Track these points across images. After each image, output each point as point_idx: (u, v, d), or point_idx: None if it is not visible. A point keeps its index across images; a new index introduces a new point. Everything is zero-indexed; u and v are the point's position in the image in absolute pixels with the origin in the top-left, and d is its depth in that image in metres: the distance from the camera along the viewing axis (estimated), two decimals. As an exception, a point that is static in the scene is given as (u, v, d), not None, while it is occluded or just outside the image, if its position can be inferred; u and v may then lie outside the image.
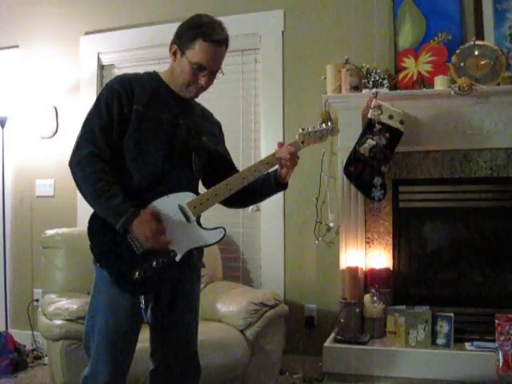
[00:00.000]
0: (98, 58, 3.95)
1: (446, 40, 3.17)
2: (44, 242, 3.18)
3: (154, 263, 1.85)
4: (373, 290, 3.04)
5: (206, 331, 2.31)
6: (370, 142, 3.03)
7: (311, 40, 3.50)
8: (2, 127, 3.93)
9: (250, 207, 3.53)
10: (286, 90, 3.53)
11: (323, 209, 3.39)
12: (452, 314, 2.87)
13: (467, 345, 2.84)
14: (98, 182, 1.82)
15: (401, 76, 3.21)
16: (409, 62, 3.21)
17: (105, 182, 1.82)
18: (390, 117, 3.02)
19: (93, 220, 1.90)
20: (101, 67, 3.97)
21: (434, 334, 2.86)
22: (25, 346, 3.68)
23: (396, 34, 3.29)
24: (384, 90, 3.09)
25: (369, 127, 3.05)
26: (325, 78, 3.28)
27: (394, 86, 3.18)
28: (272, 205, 3.49)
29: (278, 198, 3.46)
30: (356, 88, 3.14)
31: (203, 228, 1.94)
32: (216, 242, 1.96)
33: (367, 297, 3.05)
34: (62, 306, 2.67)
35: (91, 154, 1.84)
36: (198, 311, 2.10)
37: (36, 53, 4.09)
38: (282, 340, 3.13)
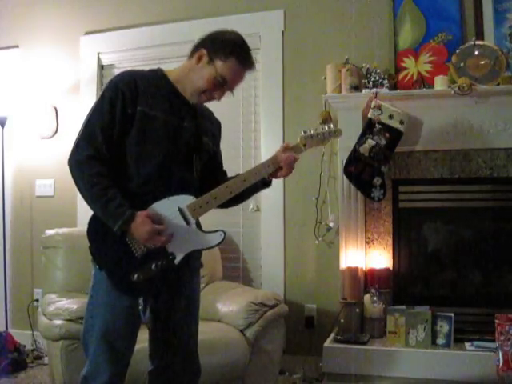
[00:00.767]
0: (98, 58, 3.95)
1: (446, 40, 3.17)
2: (44, 242, 3.18)
3: (153, 266, 1.85)
4: (373, 290, 3.04)
5: (206, 331, 2.30)
6: (370, 142, 3.03)
7: (311, 40, 3.50)
8: (2, 127, 3.93)
9: (250, 207, 3.54)
10: (285, 90, 3.53)
11: (323, 209, 3.39)
12: (452, 314, 2.87)
13: (467, 345, 2.84)
14: (95, 185, 1.81)
15: (401, 76, 3.21)
16: (409, 62, 3.21)
17: (103, 185, 1.81)
18: (390, 117, 3.02)
19: (92, 222, 1.89)
20: (101, 67, 3.97)
21: (434, 334, 2.86)
22: (25, 346, 3.68)
23: (396, 34, 3.29)
24: (384, 90, 3.09)
25: (369, 127, 3.05)
26: (325, 78, 3.28)
27: (394, 86, 3.18)
28: (272, 205, 3.50)
29: (277, 197, 3.48)
30: (356, 88, 3.14)
31: (203, 231, 1.94)
32: (215, 245, 1.95)
33: (367, 297, 3.05)
34: (62, 306, 2.67)
35: (89, 156, 1.83)
36: (198, 311, 2.10)
37: (36, 53, 4.09)
38: (282, 340, 3.13)
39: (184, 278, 1.99)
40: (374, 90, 3.07)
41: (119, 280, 1.85)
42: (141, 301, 1.92)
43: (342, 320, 3.04)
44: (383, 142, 3.02)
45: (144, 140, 1.88)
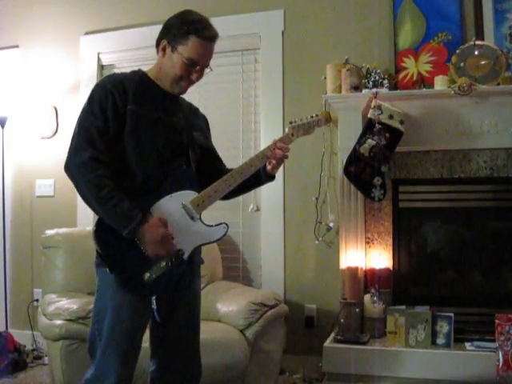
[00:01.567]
0: (98, 58, 3.95)
1: (446, 40, 3.17)
2: (44, 242, 3.18)
3: (164, 264, 1.85)
4: (373, 290, 3.04)
5: (206, 331, 2.30)
6: (370, 142, 3.03)
7: (311, 40, 3.50)
8: (2, 127, 3.93)
9: (250, 207, 3.54)
10: (286, 90, 3.53)
11: (323, 209, 3.39)
12: (452, 314, 2.87)
13: (467, 345, 2.84)
14: (102, 188, 1.79)
15: (401, 76, 3.21)
16: (409, 62, 3.21)
17: (109, 188, 1.80)
18: (390, 117, 3.02)
19: (100, 225, 1.87)
20: (101, 67, 3.97)
21: (434, 334, 2.86)
22: (25, 346, 3.68)
23: (396, 34, 3.29)
24: (384, 90, 3.09)
25: (369, 127, 3.05)
26: (325, 78, 3.28)
27: (394, 86, 3.18)
28: (272, 205, 3.50)
29: (277, 197, 3.48)
30: (356, 88, 3.14)
31: (207, 225, 1.96)
32: (220, 238, 1.99)
33: (367, 297, 3.05)
34: (62, 306, 2.67)
35: (92, 158, 1.81)
36: (199, 310, 2.10)
37: (36, 53, 4.09)
38: (282, 340, 3.13)
39: (187, 276, 1.99)
40: (374, 90, 3.07)
41: (130, 281, 1.84)
42: (153, 300, 1.92)
43: (342, 320, 3.04)
44: (383, 142, 3.02)
45: (139, 139, 1.89)
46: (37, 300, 3.86)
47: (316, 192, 3.39)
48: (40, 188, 4.05)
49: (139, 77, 1.99)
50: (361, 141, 3.06)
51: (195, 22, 1.91)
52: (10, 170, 4.08)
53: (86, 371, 1.94)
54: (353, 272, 3.11)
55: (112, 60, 3.95)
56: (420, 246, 3.33)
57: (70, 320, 2.56)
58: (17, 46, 4.15)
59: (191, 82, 1.98)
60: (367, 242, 3.24)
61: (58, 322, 2.59)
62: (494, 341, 2.67)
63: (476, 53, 3.01)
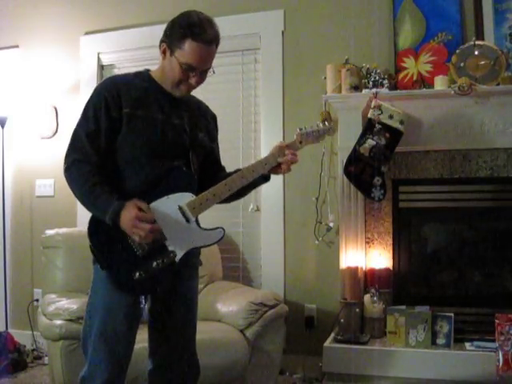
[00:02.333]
0: (98, 58, 3.95)
1: (446, 40, 3.17)
2: (44, 242, 3.18)
3: (155, 264, 1.85)
4: (373, 290, 3.04)
5: (206, 331, 2.31)
6: (370, 142, 3.03)
7: (311, 40, 3.50)
8: (2, 127, 3.93)
9: (250, 207, 3.54)
10: (286, 90, 3.53)
11: (323, 209, 3.39)
12: (452, 314, 2.87)
13: (467, 345, 2.84)
14: (85, 183, 1.84)
15: (401, 76, 3.21)
16: (409, 62, 3.21)
17: (92, 182, 1.83)
18: (390, 117, 3.02)
19: (92, 221, 1.90)
20: (101, 67, 3.98)
21: (434, 334, 2.86)
22: (25, 346, 3.69)
23: (396, 34, 3.29)
24: (384, 90, 3.09)
25: (369, 127, 3.05)
26: (325, 78, 3.28)
27: (394, 86, 3.18)
28: (272, 205, 3.50)
29: (277, 197, 3.48)
30: (356, 88, 3.14)
31: (202, 228, 1.94)
32: (215, 243, 1.96)
33: (367, 297, 3.05)
34: (62, 306, 2.67)
35: (77, 160, 1.86)
36: (197, 310, 2.10)
37: (36, 53, 4.09)
38: (282, 340, 3.13)
39: (183, 277, 1.99)
40: (374, 90, 3.07)
41: (120, 279, 1.85)
42: (142, 299, 1.92)
43: (342, 320, 3.04)
44: (383, 141, 3.02)
45: (135, 140, 1.89)
46: (37, 300, 3.86)
47: (316, 192, 3.39)
48: (40, 188, 4.05)
49: (142, 78, 1.99)
50: (361, 141, 3.06)
51: (192, 25, 1.86)
52: (10, 169, 4.08)
53: (81, 370, 1.95)
54: (353, 272, 3.11)
55: (112, 60, 3.95)
56: (420, 246, 3.33)
57: (70, 320, 2.56)
58: (17, 46, 4.15)
59: (191, 86, 1.95)
60: (367, 242, 3.24)
61: (58, 322, 2.59)
62: (494, 341, 2.67)
63: (476, 53, 3.01)
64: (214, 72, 1.97)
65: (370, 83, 3.12)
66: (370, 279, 3.15)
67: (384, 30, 3.32)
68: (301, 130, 2.07)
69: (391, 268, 3.19)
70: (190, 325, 2.07)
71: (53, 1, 4.08)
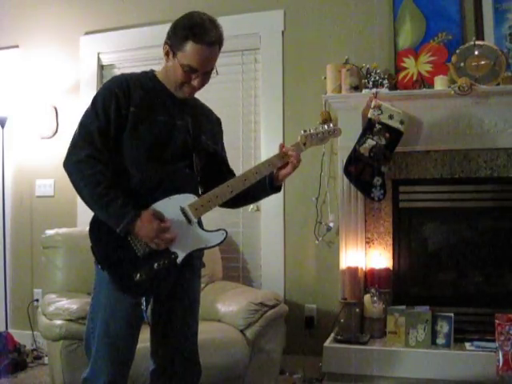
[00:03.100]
0: (98, 58, 3.95)
1: (446, 40, 3.17)
2: (44, 242, 3.18)
3: (156, 265, 1.85)
4: (373, 290, 3.04)
5: (206, 331, 2.30)
6: (370, 142, 3.03)
7: (311, 40, 3.50)
8: (2, 127, 3.93)
9: (250, 207, 3.54)
10: (285, 90, 3.53)
11: (323, 209, 3.39)
12: (452, 314, 2.87)
13: (467, 345, 2.84)
14: (97, 185, 1.80)
15: (401, 76, 3.21)
16: (409, 62, 3.21)
17: (104, 185, 1.81)
18: (390, 117, 3.02)
19: (94, 222, 1.89)
20: (101, 67, 3.97)
21: (433, 334, 2.86)
22: (25, 346, 3.68)
23: (396, 34, 3.28)
24: (384, 90, 3.09)
25: (369, 127, 3.05)
26: (325, 78, 3.28)
27: (394, 86, 3.18)
28: (272, 205, 3.49)
29: (277, 197, 3.45)
30: (356, 88, 3.14)
31: (205, 230, 1.93)
32: (217, 244, 1.95)
33: (367, 297, 3.05)
34: (62, 306, 2.67)
35: (89, 156, 1.82)
36: (198, 311, 2.10)
37: (36, 53, 4.09)
38: (282, 340, 3.13)
39: (185, 278, 1.99)
40: (374, 90, 3.08)
41: (121, 280, 1.85)
42: (143, 300, 1.92)
43: (342, 320, 3.04)
44: (383, 142, 3.02)
45: (139, 141, 1.88)
46: (37, 300, 3.86)
47: (316, 192, 3.39)
48: (40, 188, 4.05)
49: (148, 78, 1.98)
50: (361, 141, 3.06)
51: (194, 27, 1.84)
52: (10, 169, 4.08)
53: (84, 370, 1.95)
54: (353, 272, 3.11)
55: (112, 60, 3.95)
56: (420, 246, 3.33)
57: (70, 320, 2.56)
58: (17, 46, 4.15)
59: (194, 88, 1.93)
60: (367, 242, 3.24)
61: (58, 321, 2.59)
62: (494, 341, 2.67)
63: (476, 53, 3.01)
64: (217, 73, 1.95)
65: (370, 83, 3.13)
66: (370, 279, 3.15)
67: (384, 30, 3.32)
68: (305, 131, 2.04)
69: (391, 268, 3.19)
70: (192, 325, 2.07)
71: (53, 1, 4.08)
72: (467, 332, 2.93)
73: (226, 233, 1.93)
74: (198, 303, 2.09)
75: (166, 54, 1.92)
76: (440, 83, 3.05)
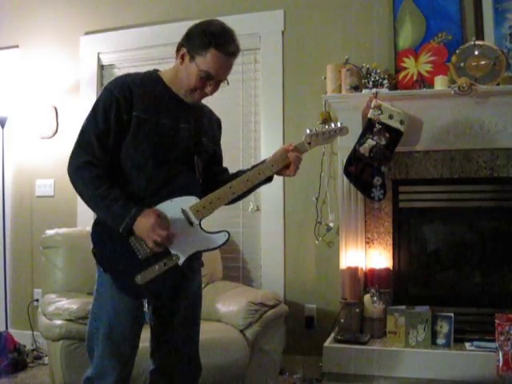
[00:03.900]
0: (98, 58, 3.95)
1: (446, 40, 3.17)
2: (44, 242, 3.18)
3: (157, 267, 1.85)
4: (373, 290, 3.04)
5: (206, 331, 2.30)
6: (370, 142, 3.03)
7: (311, 40, 3.50)
8: (2, 127, 3.93)
9: (250, 207, 3.54)
10: (285, 90, 3.53)
11: (323, 209, 3.39)
12: (452, 314, 2.87)
13: (467, 345, 2.84)
14: (98, 187, 1.81)
15: (401, 76, 3.21)
16: (409, 62, 3.21)
17: (105, 186, 1.82)
18: (390, 117, 3.02)
19: (97, 225, 1.90)
20: (101, 67, 3.97)
21: (434, 334, 2.86)
22: (25, 346, 3.68)
23: (396, 34, 3.28)
24: (384, 90, 3.09)
25: (369, 127, 3.05)
26: (325, 78, 3.28)
27: (394, 86, 3.18)
28: (272, 205, 3.50)
29: (277, 197, 3.48)
30: (356, 88, 3.14)
31: (206, 232, 1.93)
32: (219, 246, 1.95)
33: (367, 297, 3.05)
34: (61, 306, 2.67)
35: (87, 162, 1.83)
36: (200, 312, 2.10)
37: (36, 53, 4.09)
38: (282, 340, 3.13)
39: (186, 279, 1.99)
40: (374, 90, 3.07)
41: (123, 282, 1.85)
42: (144, 302, 1.93)
43: (342, 320, 3.04)
44: (383, 142, 3.02)
45: (141, 144, 1.88)
46: (37, 300, 3.86)
47: (316, 192, 3.39)
48: (40, 188, 4.05)
49: (152, 79, 1.96)
50: (361, 141, 3.06)
51: (217, 35, 1.85)
52: (10, 169, 4.08)
53: (86, 370, 1.95)
54: (353, 272, 3.11)
55: (112, 60, 3.95)
56: (420, 246, 3.33)
57: (69, 320, 2.56)
58: (17, 46, 4.15)
59: (205, 95, 1.94)
60: (367, 242, 3.24)
61: (58, 322, 2.59)
62: (494, 341, 2.67)
63: (476, 53, 3.01)
64: (228, 83, 1.95)
65: (370, 83, 3.13)
66: (370, 279, 3.15)
67: (384, 30, 3.32)
68: (310, 130, 2.02)
69: (391, 268, 3.19)
70: (193, 326, 2.07)
71: (53, 1, 4.08)
72: (467, 332, 2.92)
73: (229, 234, 1.92)
74: (199, 303, 2.10)
75: (182, 57, 1.90)
76: (440, 83, 3.05)
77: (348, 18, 3.40)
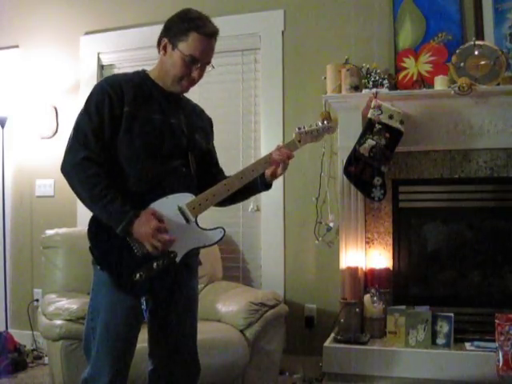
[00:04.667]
0: (98, 58, 3.95)
1: (446, 40, 3.17)
2: (44, 242, 3.18)
3: (155, 264, 1.85)
4: (373, 290, 3.04)
5: (206, 331, 2.31)
6: (370, 142, 3.03)
7: (311, 40, 3.50)
8: (2, 127, 3.93)
9: (250, 207, 3.54)
10: (285, 90, 3.53)
11: (323, 209, 3.39)
12: (452, 314, 2.87)
13: (467, 345, 2.84)
14: (94, 186, 1.81)
15: (401, 76, 3.21)
16: (409, 62, 3.21)
17: (102, 186, 1.82)
18: (390, 117, 3.02)
19: (92, 222, 1.89)
20: (101, 67, 3.98)
21: (434, 334, 2.86)
22: (25, 346, 3.69)
23: (396, 34, 3.29)
24: (384, 90, 3.09)
25: (369, 127, 3.05)
26: (325, 78, 3.28)
27: (394, 86, 3.18)
28: (272, 205, 3.50)
29: (277, 197, 3.48)
30: (356, 88, 3.14)
31: (202, 229, 1.94)
32: (215, 243, 1.96)
33: (367, 297, 3.05)
34: (62, 306, 2.67)
35: (85, 158, 1.83)
36: (197, 310, 2.10)
37: (36, 53, 4.09)
38: (282, 340, 3.13)
39: (183, 277, 1.99)
40: (374, 90, 3.07)
41: (121, 280, 1.85)
42: (143, 300, 1.92)
43: (342, 320, 3.04)
44: (383, 142, 3.02)
45: (133, 140, 1.89)
46: (37, 300, 3.86)
47: (316, 192, 3.39)
48: (40, 188, 4.05)
49: (140, 77, 1.99)
50: (361, 141, 3.06)
51: (195, 19, 1.92)
52: (10, 169, 4.08)
53: (83, 371, 1.95)
54: (353, 272, 3.11)
55: (112, 60, 3.95)
56: (420, 246, 3.33)
57: (69, 320, 2.56)
58: (17, 46, 4.15)
59: (193, 81, 1.96)
60: (367, 242, 3.24)
61: (58, 322, 2.59)
62: (494, 341, 2.66)
63: (476, 53, 3.01)
64: (213, 67, 1.99)
65: (370, 83, 3.12)
66: (370, 279, 3.15)
67: (384, 30, 3.32)
68: (299, 129, 2.07)
69: (391, 268, 3.19)
70: (191, 325, 2.07)
71: (53, 1, 4.08)
72: (467, 332, 2.92)
73: (224, 231, 1.93)
74: (196, 302, 2.10)
75: (164, 47, 1.95)
76: (440, 83, 3.05)
77: (348, 18, 3.40)
